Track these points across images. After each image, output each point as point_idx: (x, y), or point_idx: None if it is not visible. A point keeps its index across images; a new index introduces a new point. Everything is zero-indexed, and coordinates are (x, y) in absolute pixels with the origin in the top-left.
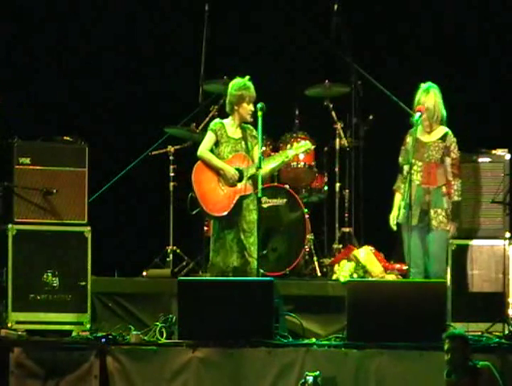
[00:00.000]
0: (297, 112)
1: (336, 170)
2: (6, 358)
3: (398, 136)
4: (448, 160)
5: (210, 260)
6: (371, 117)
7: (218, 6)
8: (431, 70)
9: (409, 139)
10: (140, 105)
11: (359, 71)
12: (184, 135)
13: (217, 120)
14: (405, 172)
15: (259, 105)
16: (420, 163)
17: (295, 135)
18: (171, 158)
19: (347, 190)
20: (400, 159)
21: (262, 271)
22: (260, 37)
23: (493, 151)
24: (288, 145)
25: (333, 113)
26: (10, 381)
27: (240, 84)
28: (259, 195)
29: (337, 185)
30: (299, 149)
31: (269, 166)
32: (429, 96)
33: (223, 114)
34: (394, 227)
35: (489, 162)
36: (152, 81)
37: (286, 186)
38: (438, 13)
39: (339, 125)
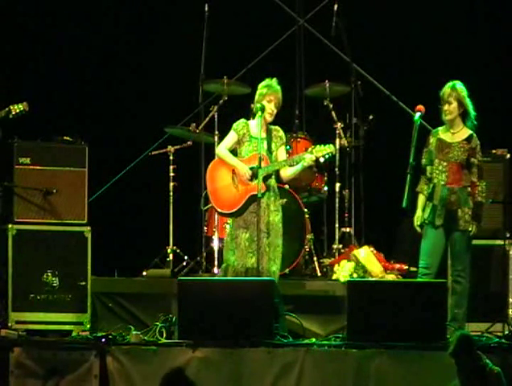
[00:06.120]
0: (297, 112)
1: (336, 170)
2: (6, 358)
3: (397, 136)
4: (474, 161)
5: (225, 260)
6: (371, 117)
7: (218, 6)
8: (432, 70)
9: (432, 140)
10: (140, 105)
11: (359, 71)
12: (184, 135)
13: (242, 120)
14: (428, 173)
15: (259, 105)
16: (445, 163)
17: (294, 135)
18: (171, 158)
19: (347, 190)
20: (423, 161)
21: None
22: (260, 37)
23: (493, 151)
24: (310, 148)
25: (333, 113)
26: (10, 381)
27: (264, 83)
28: (258, 195)
29: (337, 185)
30: (320, 153)
31: (289, 170)
32: (455, 91)
33: (223, 114)
34: (419, 229)
35: (489, 161)
36: (152, 81)
37: (286, 186)
38: (438, 12)
39: (339, 125)
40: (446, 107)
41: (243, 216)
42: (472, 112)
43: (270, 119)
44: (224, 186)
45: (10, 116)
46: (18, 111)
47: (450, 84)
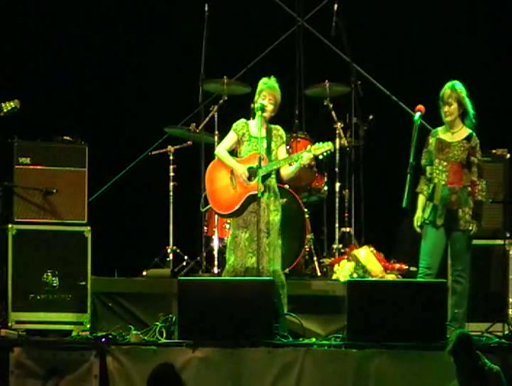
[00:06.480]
0: (297, 112)
1: (336, 170)
2: (6, 358)
3: (397, 136)
4: (474, 160)
5: (226, 260)
6: (371, 117)
7: (218, 6)
8: (432, 70)
9: (432, 140)
10: (140, 105)
11: (359, 71)
12: (184, 135)
13: (242, 119)
14: (428, 173)
15: (258, 105)
16: (445, 163)
17: (294, 135)
18: (171, 157)
19: (347, 190)
20: (423, 161)
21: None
22: (260, 37)
23: (493, 151)
24: (308, 146)
25: (333, 113)
26: (10, 381)
27: (261, 81)
28: (258, 194)
29: (337, 185)
30: (318, 151)
31: (288, 169)
32: (455, 92)
33: (223, 114)
34: (419, 229)
35: (489, 161)
36: (152, 81)
37: (286, 186)
38: (438, 12)
39: (339, 125)
40: (446, 108)
41: (243, 216)
42: (472, 112)
43: (266, 116)
44: (222, 187)
45: (2, 113)
46: (9, 108)
47: (449, 84)
